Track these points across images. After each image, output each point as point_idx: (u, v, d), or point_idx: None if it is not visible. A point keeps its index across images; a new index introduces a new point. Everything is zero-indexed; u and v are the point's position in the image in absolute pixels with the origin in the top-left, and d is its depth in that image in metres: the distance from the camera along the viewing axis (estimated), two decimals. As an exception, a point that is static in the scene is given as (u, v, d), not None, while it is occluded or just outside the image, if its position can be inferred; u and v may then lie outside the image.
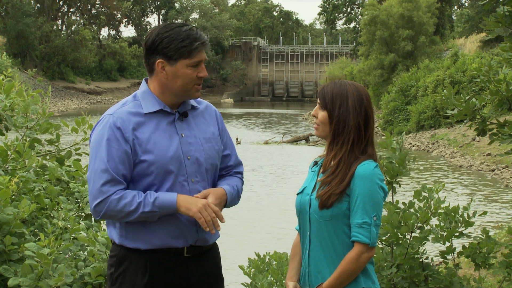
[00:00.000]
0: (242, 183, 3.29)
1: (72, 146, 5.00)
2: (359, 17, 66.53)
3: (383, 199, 2.99)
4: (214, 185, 3.18)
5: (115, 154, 2.95)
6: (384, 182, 3.05)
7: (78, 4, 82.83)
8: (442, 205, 4.57)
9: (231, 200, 3.14)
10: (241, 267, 5.22)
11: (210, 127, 3.19)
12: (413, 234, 4.53)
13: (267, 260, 5.25)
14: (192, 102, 3.18)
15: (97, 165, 2.96)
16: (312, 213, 3.03)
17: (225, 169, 3.25)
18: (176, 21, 3.26)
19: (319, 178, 3.06)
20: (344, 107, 3.01)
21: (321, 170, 3.08)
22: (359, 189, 2.93)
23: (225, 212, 3.13)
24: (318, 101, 3.10)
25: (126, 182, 2.98)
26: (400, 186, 4.45)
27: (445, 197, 4.75)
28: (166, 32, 3.02)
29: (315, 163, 3.18)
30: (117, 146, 2.96)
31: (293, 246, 3.23)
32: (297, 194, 3.15)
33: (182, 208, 2.95)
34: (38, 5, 77.86)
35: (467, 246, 4.75)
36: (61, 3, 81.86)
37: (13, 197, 4.19)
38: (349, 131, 3.00)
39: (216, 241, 3.23)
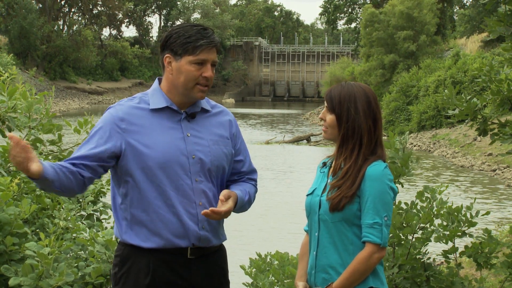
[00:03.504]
0: (256, 190, 3.26)
1: (74, 146, 5.00)
2: (360, 17, 66.54)
3: (393, 199, 3.00)
4: (222, 187, 3.16)
5: (96, 140, 2.98)
6: (393, 182, 3.05)
7: (80, 4, 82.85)
8: (445, 206, 4.57)
9: (240, 205, 3.11)
10: (242, 267, 5.21)
11: (220, 130, 3.16)
12: (415, 235, 4.52)
13: (268, 260, 5.25)
14: (205, 105, 3.15)
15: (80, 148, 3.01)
16: (322, 214, 3.03)
17: (237, 174, 3.23)
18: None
19: (329, 181, 3.06)
20: (353, 111, 3.01)
21: (331, 173, 3.08)
22: (370, 190, 2.94)
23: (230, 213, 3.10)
24: (326, 104, 3.10)
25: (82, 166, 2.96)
26: (403, 187, 4.44)
27: (448, 198, 4.75)
28: (177, 29, 3.05)
29: (324, 164, 3.18)
30: (102, 134, 2.99)
31: (302, 246, 3.23)
32: (307, 195, 3.14)
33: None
34: (40, 5, 77.92)
35: (469, 246, 4.75)
36: (62, 3, 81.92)
37: (14, 197, 4.19)
38: (360, 134, 3.01)
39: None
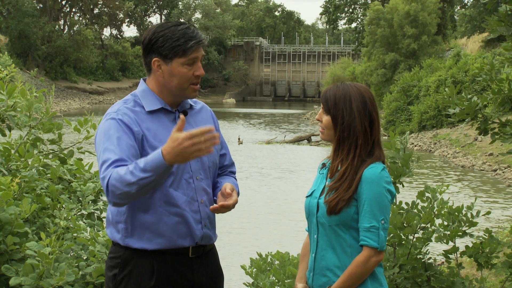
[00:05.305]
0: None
1: (74, 145, 5.00)
2: (361, 17, 66.60)
3: (390, 202, 2.98)
4: (212, 183, 3.19)
5: (124, 145, 2.88)
6: (392, 184, 3.02)
7: (80, 4, 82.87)
8: (445, 206, 4.57)
9: None
10: (243, 267, 5.21)
11: (207, 126, 3.17)
12: (416, 235, 4.52)
13: (269, 259, 5.24)
14: (190, 101, 3.18)
15: (106, 156, 2.85)
16: (320, 216, 3.02)
17: (221, 168, 3.27)
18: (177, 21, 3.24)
19: (327, 183, 3.05)
20: (348, 112, 2.99)
21: (329, 175, 3.07)
22: (366, 193, 2.92)
23: (230, 211, 3.12)
24: (322, 105, 3.09)
25: None
26: (403, 187, 4.44)
27: (449, 198, 4.74)
28: (161, 31, 3.02)
29: (323, 165, 3.16)
30: (127, 139, 2.90)
31: (303, 247, 3.22)
32: (306, 196, 3.13)
33: (169, 156, 2.70)
34: (40, 5, 77.97)
35: (470, 246, 4.74)
36: (63, 3, 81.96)
37: (15, 196, 4.19)
38: (355, 136, 2.99)
39: (220, 241, 3.25)
